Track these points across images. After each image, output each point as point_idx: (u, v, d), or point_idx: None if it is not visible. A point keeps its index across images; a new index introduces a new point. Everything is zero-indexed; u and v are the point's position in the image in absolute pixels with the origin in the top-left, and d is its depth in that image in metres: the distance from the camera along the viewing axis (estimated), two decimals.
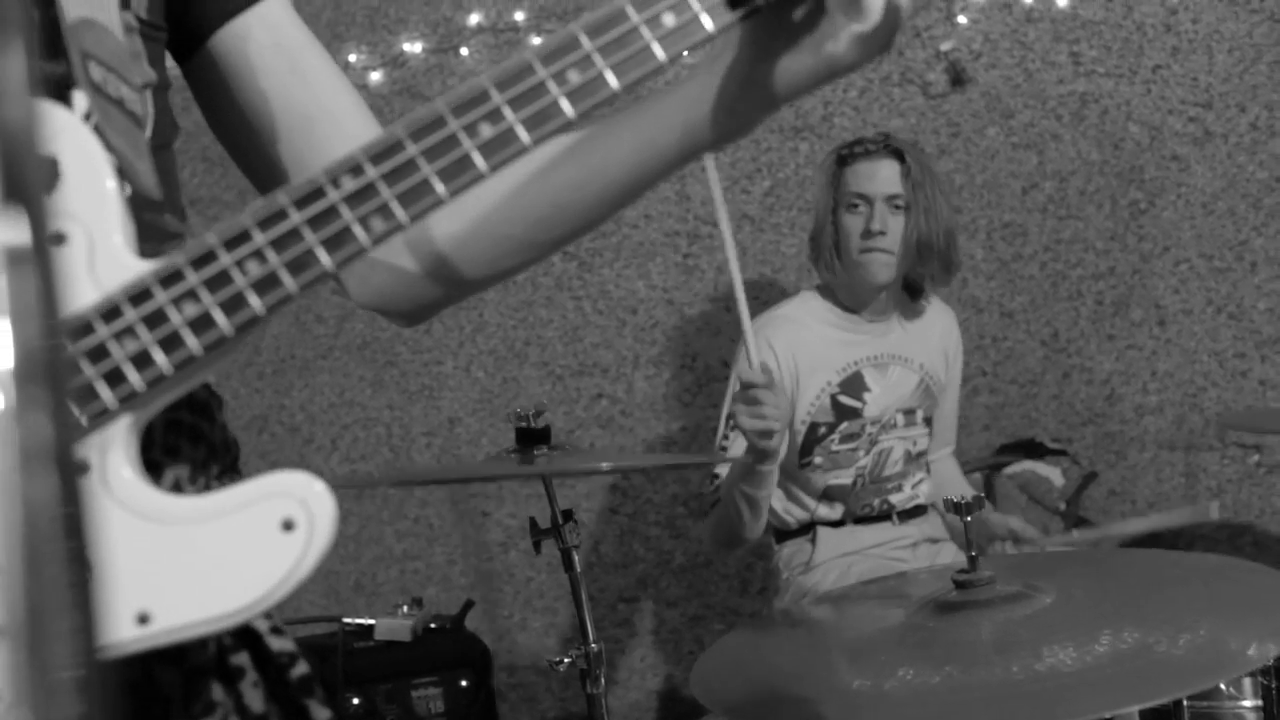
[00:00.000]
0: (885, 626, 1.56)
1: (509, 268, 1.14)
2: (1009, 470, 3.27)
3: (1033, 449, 3.27)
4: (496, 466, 1.55)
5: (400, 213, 0.84)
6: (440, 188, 0.85)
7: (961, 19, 3.19)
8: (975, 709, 1.37)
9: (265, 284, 0.82)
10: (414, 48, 3.31)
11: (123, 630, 0.78)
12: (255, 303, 0.82)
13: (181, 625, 0.78)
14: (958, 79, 3.21)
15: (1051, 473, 3.28)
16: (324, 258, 0.83)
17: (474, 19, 3.30)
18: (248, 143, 1.13)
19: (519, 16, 3.29)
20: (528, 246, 1.10)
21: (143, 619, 0.78)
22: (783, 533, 2.68)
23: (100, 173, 0.83)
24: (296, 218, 0.83)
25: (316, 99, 1.11)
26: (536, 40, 3.25)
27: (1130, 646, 1.41)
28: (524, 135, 0.86)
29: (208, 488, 0.98)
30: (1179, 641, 1.41)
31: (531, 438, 1.58)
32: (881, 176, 2.54)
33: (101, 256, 0.82)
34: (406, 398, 3.37)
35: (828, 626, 1.65)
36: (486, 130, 0.85)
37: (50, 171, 0.83)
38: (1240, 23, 3.16)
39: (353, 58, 3.30)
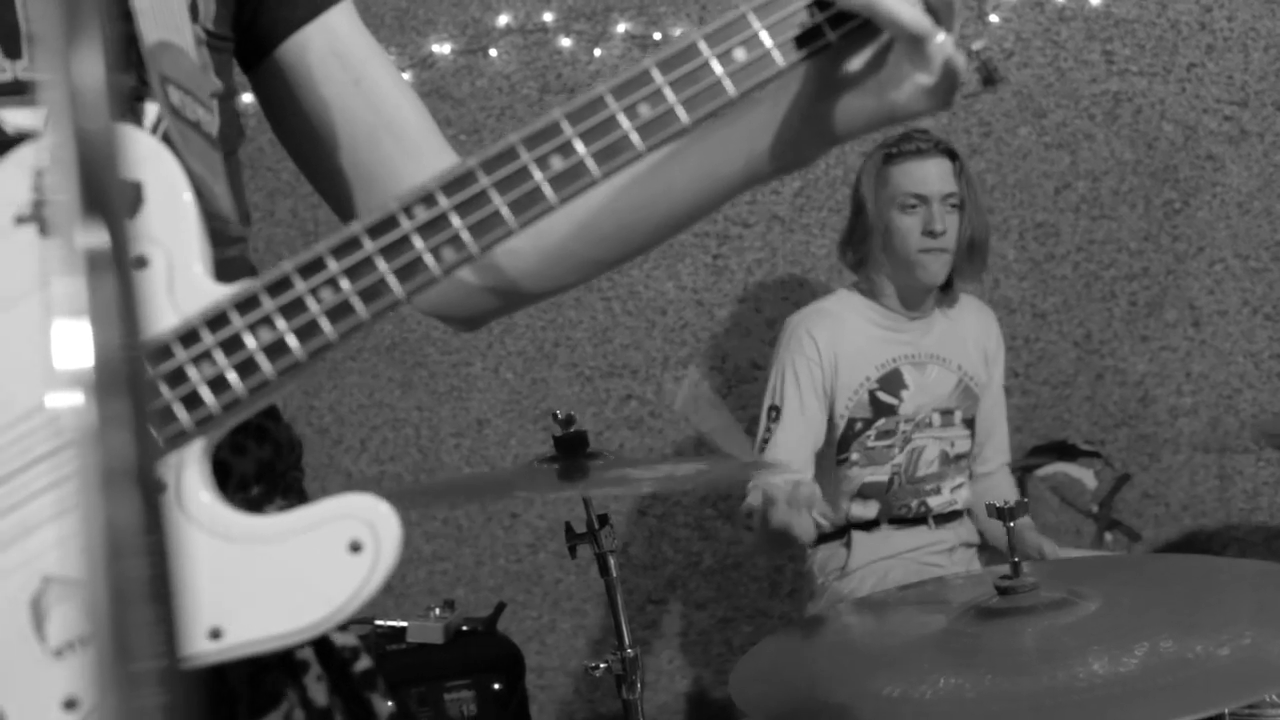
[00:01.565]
0: (926, 633, 1.55)
1: (569, 283, 1.15)
2: (1041, 472, 3.25)
3: (1065, 451, 3.24)
4: (535, 478, 1.54)
5: (471, 243, 0.85)
6: (511, 219, 0.86)
7: (993, 18, 3.17)
8: (1020, 718, 1.35)
9: (338, 311, 0.83)
10: (443, 49, 3.30)
11: (196, 645, 0.80)
12: (328, 329, 0.83)
13: (251, 641, 0.80)
14: (989, 78, 3.18)
15: (1084, 475, 3.25)
16: (396, 287, 0.84)
17: (503, 20, 3.29)
18: (311, 152, 1.14)
19: (548, 17, 3.28)
20: (589, 264, 1.11)
21: (215, 634, 0.79)
22: (817, 537, 2.66)
23: (182, 198, 0.85)
24: (370, 247, 0.84)
25: (380, 111, 1.12)
26: (565, 41, 3.25)
27: (1175, 655, 1.39)
28: (594, 168, 0.87)
29: (273, 486, 0.99)
30: (1224, 651, 1.39)
31: (569, 446, 1.57)
32: (937, 175, 2.53)
33: (180, 281, 0.84)
34: (435, 399, 3.36)
35: (867, 632, 1.63)
36: (558, 163, 0.86)
37: (134, 195, 0.85)
38: (1277, 20, 3.13)
39: None
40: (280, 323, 0.83)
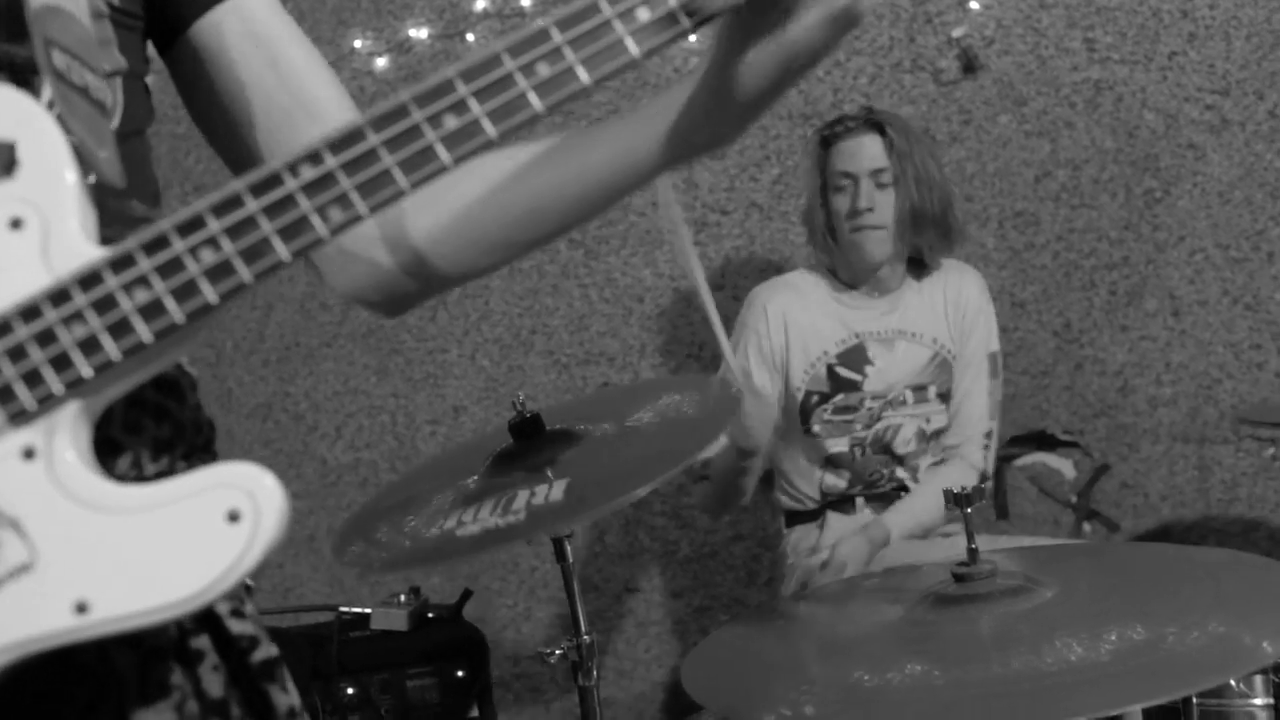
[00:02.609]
0: (882, 620, 1.53)
1: (485, 266, 1.12)
2: (1019, 462, 3.23)
3: (1044, 441, 3.22)
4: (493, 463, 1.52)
5: (360, 204, 0.82)
6: (402, 179, 0.83)
7: (974, 4, 3.14)
8: (974, 706, 1.34)
9: (218, 272, 0.81)
10: (420, 33, 3.28)
11: (60, 619, 0.77)
12: (208, 291, 0.81)
13: (120, 616, 0.76)
14: (969, 66, 3.18)
15: (1063, 465, 3.24)
16: (280, 247, 0.82)
17: (480, 4, 3.26)
18: (227, 133, 1.12)
19: (525, 1, 3.25)
20: (504, 246, 1.09)
21: (81, 608, 0.76)
22: (793, 516, 2.65)
23: (59, 160, 0.83)
24: (252, 205, 0.81)
25: (296, 92, 1.10)
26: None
27: (1137, 642, 1.38)
28: (489, 128, 0.84)
29: (171, 468, 0.96)
30: (1187, 637, 1.38)
31: (526, 430, 1.55)
32: (865, 153, 2.53)
33: (56, 243, 0.81)
34: (411, 386, 3.34)
35: (823, 621, 1.62)
36: (451, 121, 0.83)
37: (7, 157, 0.82)
38: (1259, 8, 3.10)
39: (358, 43, 3.28)
40: (157, 283, 0.80)
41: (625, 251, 3.28)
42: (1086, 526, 3.21)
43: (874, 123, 2.55)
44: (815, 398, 2.55)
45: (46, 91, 0.88)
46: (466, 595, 2.37)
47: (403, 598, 2.30)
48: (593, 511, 1.85)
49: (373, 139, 0.82)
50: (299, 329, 3.34)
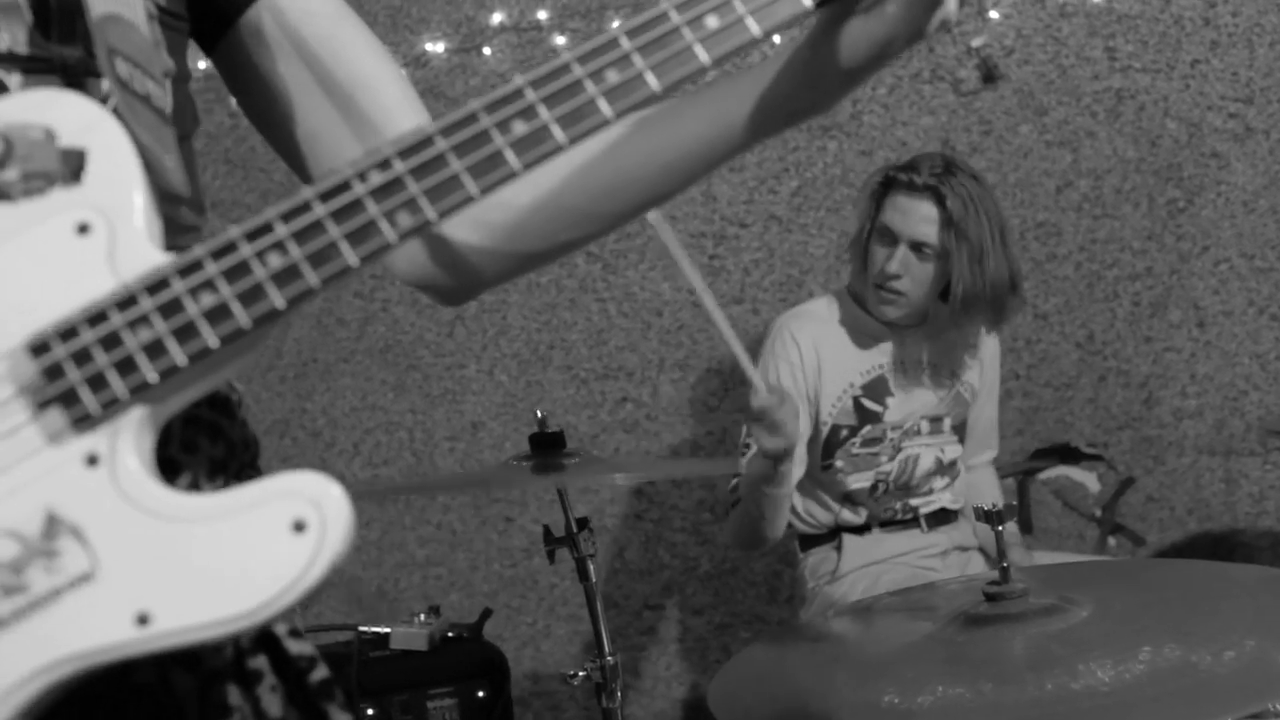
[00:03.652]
0: (913, 640, 1.50)
1: (567, 240, 1.10)
2: (1043, 475, 3.20)
3: (1068, 454, 3.19)
4: (512, 474, 1.50)
5: (429, 209, 0.83)
6: (471, 184, 0.83)
7: (994, 14, 3.12)
8: None
9: (285, 276, 0.80)
10: (436, 47, 3.27)
11: (121, 631, 0.75)
12: (275, 295, 0.80)
13: (183, 628, 0.75)
14: (989, 75, 3.15)
15: (1087, 478, 3.20)
16: (348, 252, 0.81)
17: (496, 18, 3.25)
18: (283, 120, 1.10)
19: (541, 15, 3.24)
20: (590, 219, 1.07)
21: (142, 619, 0.75)
22: (808, 539, 2.62)
23: (126, 166, 0.83)
24: (320, 210, 0.81)
25: (352, 69, 1.09)
26: (560, 39, 3.21)
27: (1171, 664, 1.35)
28: (559, 134, 0.84)
29: (225, 486, 0.95)
30: (1224, 659, 1.35)
31: (546, 444, 1.53)
32: (915, 218, 2.41)
33: (123, 248, 0.81)
34: (429, 401, 3.32)
35: (853, 640, 1.59)
36: (520, 128, 0.84)
37: (77, 163, 0.82)
38: None
39: None
40: (224, 287, 0.80)
41: (644, 265, 3.26)
42: (1111, 540, 3.17)
43: (935, 190, 2.39)
44: (844, 431, 2.50)
45: (110, 97, 0.88)
46: (486, 614, 2.35)
47: (422, 617, 2.28)
48: None
49: (441, 144, 0.82)
50: (316, 345, 3.33)
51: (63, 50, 0.91)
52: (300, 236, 0.81)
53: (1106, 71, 3.13)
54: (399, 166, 0.82)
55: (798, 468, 2.40)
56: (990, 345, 2.66)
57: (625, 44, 0.86)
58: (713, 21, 0.88)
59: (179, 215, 0.95)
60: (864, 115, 3.19)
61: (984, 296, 2.41)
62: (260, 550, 0.76)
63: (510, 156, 0.83)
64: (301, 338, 3.33)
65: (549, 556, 1.67)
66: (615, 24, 0.92)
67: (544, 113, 0.84)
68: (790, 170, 3.22)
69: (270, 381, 3.34)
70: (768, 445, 2.10)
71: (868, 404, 2.51)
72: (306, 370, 3.33)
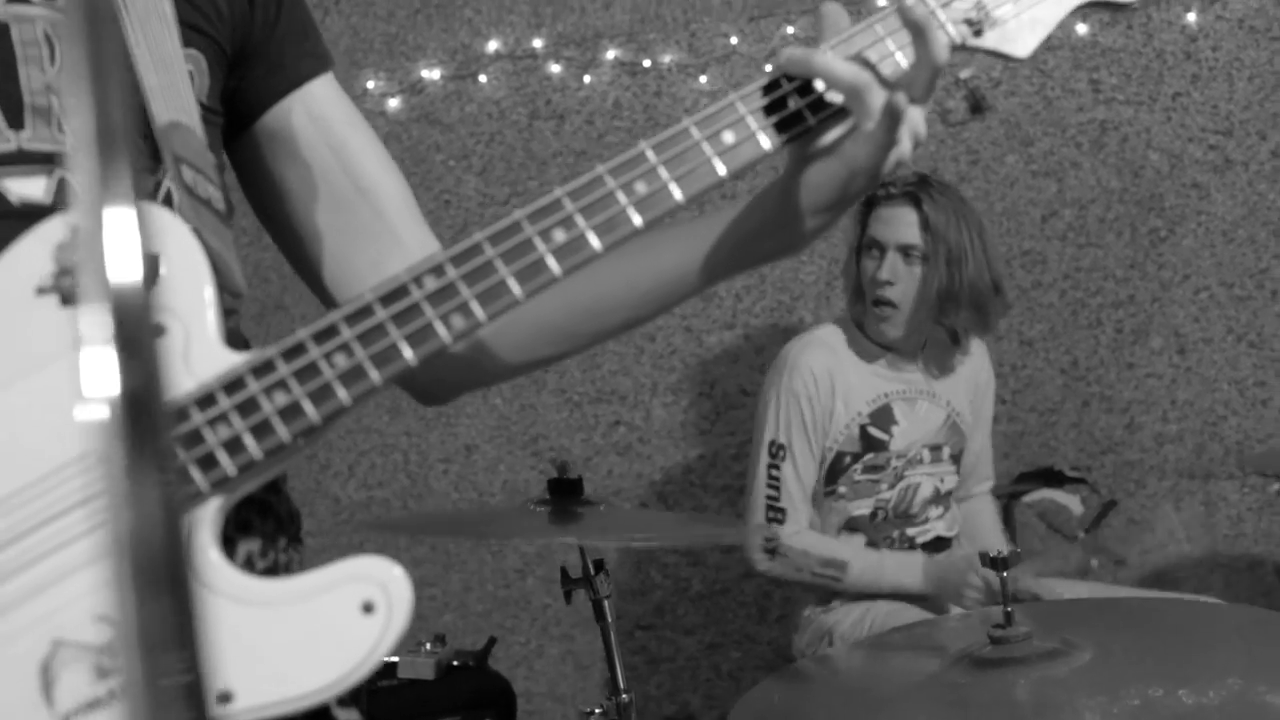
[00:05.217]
0: (918, 682, 1.55)
1: (545, 356, 1.15)
2: (1028, 499, 3.26)
3: (1052, 477, 3.25)
4: (528, 521, 1.54)
5: (479, 311, 0.89)
6: (517, 289, 0.90)
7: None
8: None
9: (352, 376, 0.86)
10: (432, 74, 3.30)
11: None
12: (342, 394, 0.86)
13: (262, 705, 0.80)
14: (977, 106, 3.20)
15: (1070, 501, 3.26)
16: (407, 352, 0.88)
17: (492, 46, 3.29)
18: (287, 216, 1.15)
19: (537, 43, 3.28)
20: (570, 337, 1.12)
21: (224, 698, 0.80)
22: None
23: (197, 271, 0.88)
24: (382, 314, 0.87)
25: (357, 179, 1.14)
26: (555, 67, 3.25)
27: (1168, 708, 1.40)
28: (595, 241, 0.91)
29: (276, 562, 1.01)
30: (1213, 698, 1.40)
31: (564, 490, 1.58)
32: (898, 224, 2.49)
33: (196, 349, 0.87)
34: (424, 424, 3.36)
35: (859, 680, 1.64)
36: (560, 236, 0.91)
37: (152, 268, 0.87)
38: (1261, 50, 3.15)
39: (370, 84, 3.30)
40: (295, 387, 0.85)
41: None
42: (1094, 563, 3.24)
43: (912, 195, 2.47)
44: (848, 458, 2.55)
45: (163, 196, 0.93)
46: (491, 643, 2.39)
47: (428, 646, 2.32)
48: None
49: (489, 252, 0.89)
50: None
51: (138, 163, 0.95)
52: (364, 339, 0.87)
53: (1091, 103, 3.20)
54: (452, 273, 0.88)
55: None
56: (985, 372, 2.72)
57: (652, 158, 0.93)
58: (729, 137, 0.95)
59: (223, 301, 1.01)
60: None
61: (962, 297, 2.48)
62: (334, 631, 0.82)
63: (552, 263, 0.90)
64: None
65: (566, 597, 1.72)
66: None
67: (581, 222, 0.91)
68: None
69: None
70: (947, 600, 2.27)
71: (874, 432, 2.56)
72: None
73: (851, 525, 2.58)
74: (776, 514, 2.50)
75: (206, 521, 0.84)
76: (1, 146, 0.93)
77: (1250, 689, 1.42)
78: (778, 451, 2.52)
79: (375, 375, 0.86)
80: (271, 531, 1.01)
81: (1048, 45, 3.28)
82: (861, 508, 2.57)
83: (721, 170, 0.93)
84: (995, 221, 3.23)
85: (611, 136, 3.28)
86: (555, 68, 3.28)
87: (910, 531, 2.61)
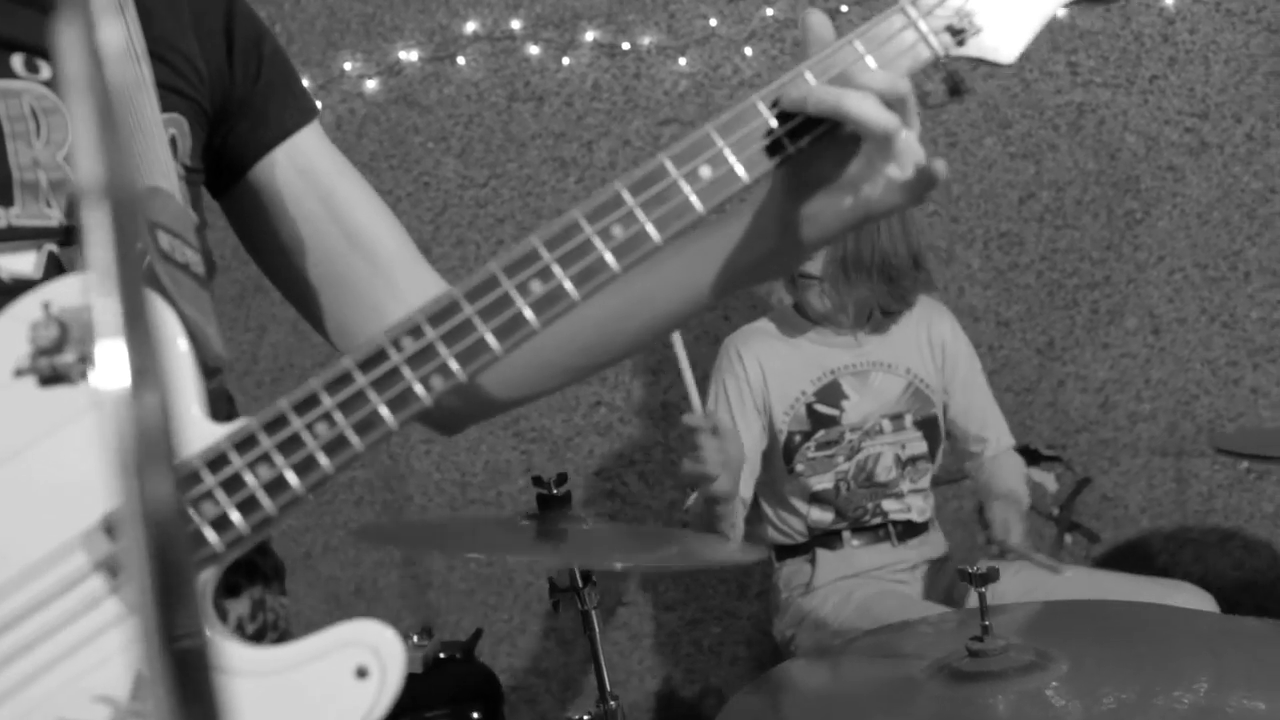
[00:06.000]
0: (895, 695, 1.59)
1: (546, 390, 1.17)
2: None
3: (1027, 455, 3.29)
4: (516, 537, 1.57)
5: (459, 371, 0.88)
6: (495, 345, 0.89)
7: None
8: None
9: (334, 445, 0.86)
10: (410, 56, 3.29)
11: None
12: (325, 463, 0.86)
13: None
14: (956, 89, 3.21)
15: (1045, 478, 3.31)
16: (388, 417, 0.87)
17: (470, 27, 3.28)
18: (283, 267, 1.16)
19: (516, 25, 3.27)
20: (568, 371, 1.14)
21: None
22: (783, 550, 2.71)
23: (176, 345, 0.88)
24: (362, 380, 0.87)
25: (350, 228, 1.14)
26: (534, 49, 3.24)
27: (1144, 713, 1.44)
28: (573, 291, 0.90)
29: (265, 622, 1.02)
30: (1186, 704, 1.45)
31: (553, 505, 1.60)
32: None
33: (179, 423, 0.86)
34: None
35: (835, 689, 1.68)
36: (537, 288, 0.89)
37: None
38: (1237, 33, 3.17)
39: (348, 66, 3.28)
40: (279, 459, 0.85)
41: None
42: (1068, 538, 3.29)
43: None
44: (798, 437, 2.59)
45: (151, 269, 0.93)
46: (478, 635, 2.42)
47: (415, 639, 2.35)
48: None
49: (467, 310, 0.88)
50: (293, 350, 3.36)
51: None
52: (345, 407, 0.87)
53: (1069, 86, 3.21)
54: (430, 333, 0.88)
55: (745, 487, 2.47)
56: (947, 333, 2.71)
57: (628, 199, 0.91)
58: (706, 172, 0.93)
59: (212, 370, 1.01)
60: None
61: (873, 268, 2.49)
62: (329, 697, 0.84)
63: (530, 316, 0.89)
64: (278, 343, 3.36)
65: (554, 607, 1.75)
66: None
67: (558, 272, 0.90)
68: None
69: (246, 386, 3.37)
70: (685, 468, 2.14)
71: (821, 409, 2.60)
72: (283, 375, 3.37)
73: (818, 498, 2.63)
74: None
75: (199, 595, 0.86)
76: None
77: (1222, 694, 1.46)
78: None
79: (358, 443, 0.86)
80: (259, 594, 1.03)
81: None
82: (824, 482, 2.62)
83: (700, 208, 0.91)
84: (973, 204, 3.25)
85: (590, 118, 3.28)
86: (534, 49, 3.27)
87: (886, 505, 2.65)
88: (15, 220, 0.94)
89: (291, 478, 0.85)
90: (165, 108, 1.01)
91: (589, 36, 3.26)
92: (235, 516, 0.85)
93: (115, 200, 0.43)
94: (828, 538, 2.66)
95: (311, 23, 3.30)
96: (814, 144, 0.92)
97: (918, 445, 2.68)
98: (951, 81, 3.20)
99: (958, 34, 0.97)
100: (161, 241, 0.94)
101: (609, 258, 0.90)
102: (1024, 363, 3.30)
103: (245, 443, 0.85)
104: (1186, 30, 3.18)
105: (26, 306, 0.86)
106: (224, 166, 1.12)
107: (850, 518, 2.64)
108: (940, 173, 0.91)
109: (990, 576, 1.56)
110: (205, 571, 0.87)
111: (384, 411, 0.87)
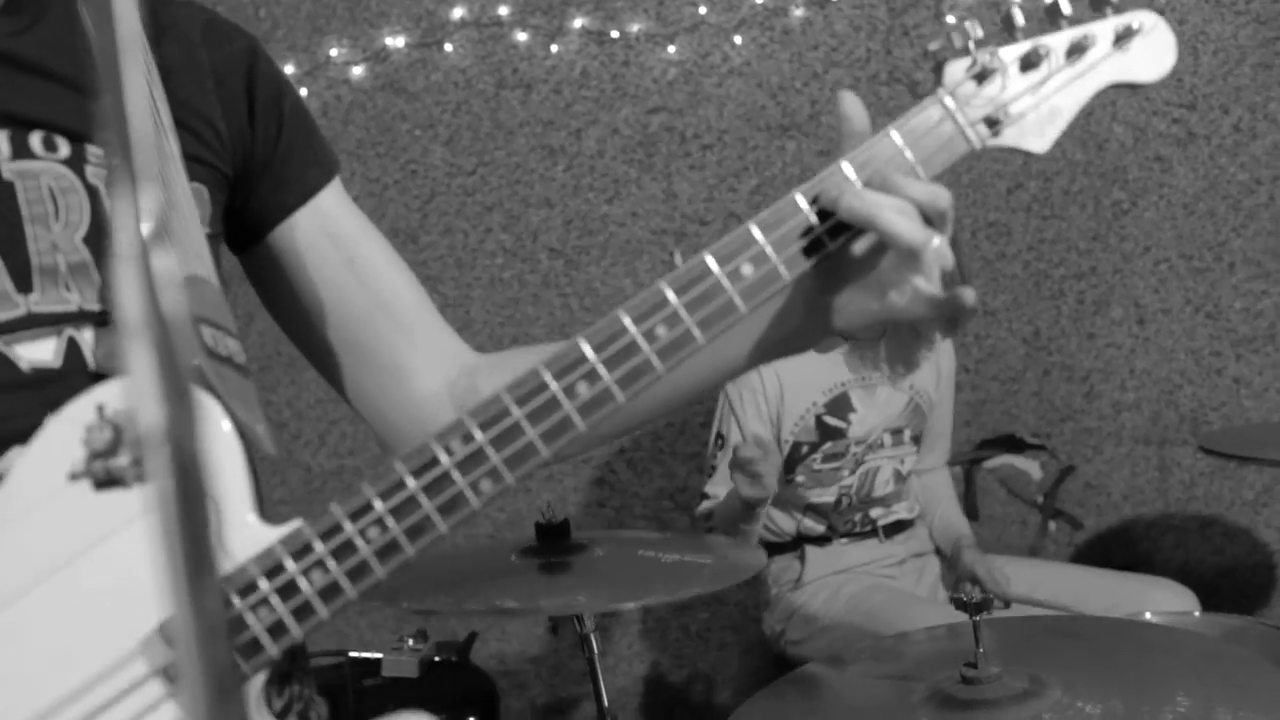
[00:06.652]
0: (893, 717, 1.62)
1: (569, 454, 1.18)
2: (989, 464, 3.35)
3: (1012, 444, 3.34)
4: (515, 580, 1.58)
5: (507, 475, 0.90)
6: (543, 448, 0.91)
7: (950, 19, 3.16)
8: None
9: (386, 550, 0.88)
10: (396, 42, 3.26)
11: None
12: (378, 568, 0.88)
13: None
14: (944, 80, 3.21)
15: (1030, 466, 3.35)
16: (439, 522, 0.89)
17: (457, 13, 3.25)
18: (305, 329, 1.16)
19: (503, 11, 3.24)
20: (595, 440, 1.14)
21: None
22: (772, 546, 2.73)
23: (225, 444, 0.89)
24: (413, 485, 0.89)
25: (374, 289, 1.14)
26: (521, 35, 3.21)
27: None
28: (618, 393, 0.91)
29: (294, 696, 1.04)
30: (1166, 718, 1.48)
31: (552, 534, 1.61)
32: None
33: (230, 526, 0.88)
34: None
35: (824, 714, 1.70)
36: (584, 390, 0.91)
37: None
38: (1226, 24, 3.17)
39: (334, 52, 3.25)
40: (333, 566, 0.87)
41: (605, 261, 3.31)
42: (1052, 525, 3.34)
43: None
44: (805, 448, 2.61)
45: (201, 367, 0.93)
46: (472, 638, 2.44)
47: (410, 642, 2.37)
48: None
49: (516, 413, 0.90)
50: (280, 338, 3.31)
51: None
52: (397, 512, 0.88)
53: None
54: (480, 437, 0.89)
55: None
56: (947, 355, 2.77)
57: (672, 299, 0.92)
58: (748, 270, 0.94)
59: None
60: (822, 116, 3.25)
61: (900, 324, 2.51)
62: None
63: (577, 419, 0.91)
64: (265, 331, 3.32)
65: (552, 630, 1.76)
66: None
67: (605, 375, 0.91)
68: (750, 169, 3.28)
69: None
70: (747, 493, 2.21)
71: (830, 421, 2.61)
72: (271, 363, 3.36)
73: (812, 509, 2.65)
74: (706, 497, 2.58)
75: (253, 700, 0.88)
76: (10, 313, 0.93)
77: (1193, 705, 1.49)
78: (718, 440, 2.61)
79: (409, 548, 0.88)
80: (286, 668, 1.04)
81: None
82: (825, 495, 2.63)
83: (742, 307, 0.92)
84: (962, 194, 3.25)
85: (579, 106, 3.26)
86: (522, 36, 3.24)
87: (873, 514, 2.68)
88: (35, 307, 0.93)
89: (345, 584, 0.87)
90: (190, 177, 1.00)
91: (577, 23, 3.23)
92: (290, 622, 0.87)
93: (177, 449, 0.43)
94: (817, 539, 2.69)
95: (297, 8, 3.26)
96: (849, 241, 0.94)
97: (912, 459, 2.71)
98: (941, 71, 3.15)
99: (994, 125, 0.98)
100: (205, 336, 0.94)
101: (654, 360, 0.91)
102: (1010, 352, 3.32)
103: (301, 551, 0.87)
104: (1176, 20, 3.17)
105: (80, 409, 0.86)
106: (245, 228, 1.12)
107: (841, 531, 2.67)
108: (968, 301, 0.92)
109: (985, 606, 1.58)
110: (258, 675, 0.88)
111: (435, 517, 0.88)
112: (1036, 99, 1.00)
